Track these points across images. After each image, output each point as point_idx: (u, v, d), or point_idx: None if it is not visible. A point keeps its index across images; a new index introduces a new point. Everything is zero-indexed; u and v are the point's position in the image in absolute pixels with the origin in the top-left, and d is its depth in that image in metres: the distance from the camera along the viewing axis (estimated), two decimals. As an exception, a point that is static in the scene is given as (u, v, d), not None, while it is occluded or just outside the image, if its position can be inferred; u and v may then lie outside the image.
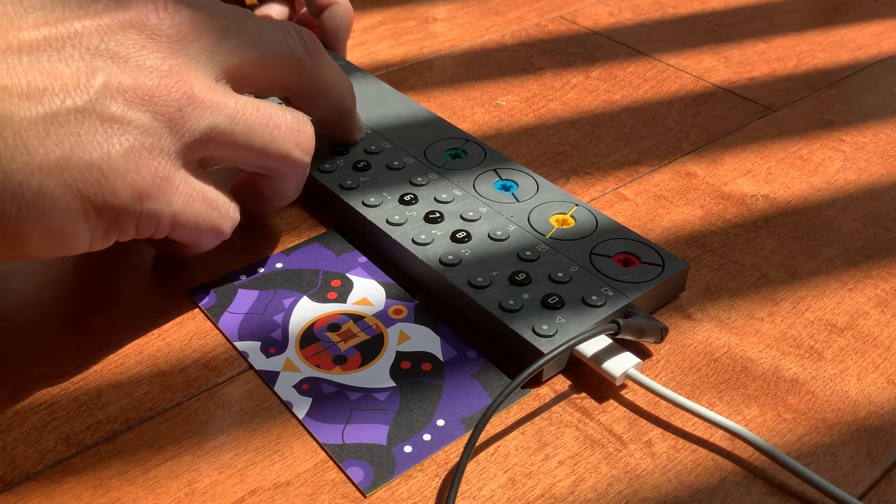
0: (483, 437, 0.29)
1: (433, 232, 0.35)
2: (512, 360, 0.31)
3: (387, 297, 0.34)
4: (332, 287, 0.34)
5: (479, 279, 0.32)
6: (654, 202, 0.40)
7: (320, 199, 0.39)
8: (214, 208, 0.30)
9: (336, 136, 0.39)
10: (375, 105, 0.43)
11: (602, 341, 0.30)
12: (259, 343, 0.32)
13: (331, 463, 0.28)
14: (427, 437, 0.28)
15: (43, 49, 0.26)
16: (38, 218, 0.26)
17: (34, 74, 0.25)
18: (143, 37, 0.28)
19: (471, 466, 0.28)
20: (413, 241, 0.34)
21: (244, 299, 0.33)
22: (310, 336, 0.32)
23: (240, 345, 0.32)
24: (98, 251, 0.30)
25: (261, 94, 0.34)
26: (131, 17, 0.28)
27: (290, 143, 0.31)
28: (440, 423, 0.29)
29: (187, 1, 0.30)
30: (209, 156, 0.30)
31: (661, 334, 0.31)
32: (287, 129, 0.31)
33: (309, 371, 0.31)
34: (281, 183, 0.33)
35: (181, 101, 0.28)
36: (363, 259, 0.36)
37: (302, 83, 0.34)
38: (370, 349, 0.32)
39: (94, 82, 0.26)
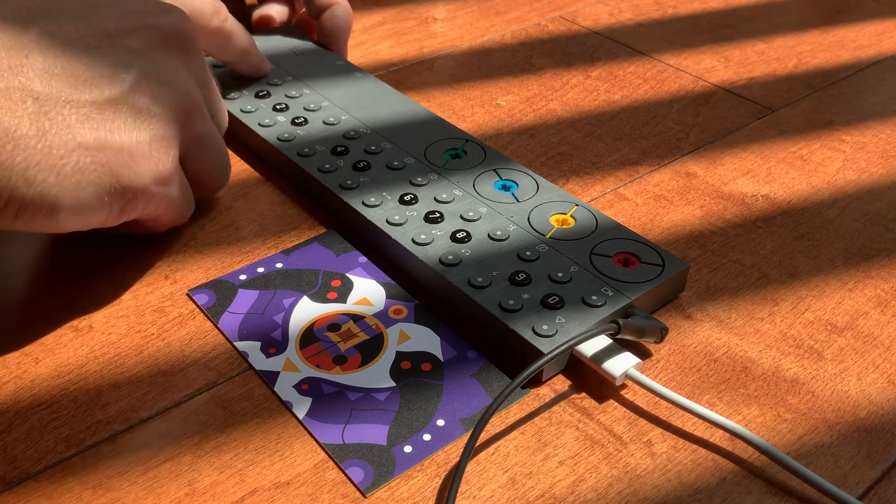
0: (483, 437, 0.29)
1: (433, 232, 0.35)
2: (512, 360, 0.31)
3: (387, 297, 0.34)
4: (332, 287, 0.34)
5: (479, 279, 0.32)
6: (654, 202, 0.40)
7: (320, 199, 0.39)
8: (188, 195, 0.35)
9: (248, 74, 0.45)
10: (375, 105, 0.43)
11: (602, 341, 0.30)
12: (259, 343, 0.32)
13: (331, 463, 0.28)
14: (427, 437, 0.28)
15: (88, 44, 0.30)
16: (73, 189, 0.28)
17: (79, 66, 0.29)
18: (171, 48, 0.33)
19: (471, 466, 0.28)
20: (413, 241, 0.34)
21: (244, 299, 0.33)
22: (310, 336, 0.32)
23: (240, 345, 0.32)
24: (101, 249, 0.32)
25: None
26: (158, 23, 0.33)
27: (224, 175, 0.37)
28: (440, 423, 0.29)
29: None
30: (187, 153, 0.34)
31: (661, 334, 0.31)
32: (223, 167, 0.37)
33: (309, 371, 0.31)
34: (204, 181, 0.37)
35: (191, 109, 0.33)
36: (363, 259, 0.36)
37: (209, 41, 0.40)
38: (370, 349, 0.32)
39: (128, 77, 0.30)
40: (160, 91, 0.31)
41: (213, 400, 0.30)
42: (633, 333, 0.30)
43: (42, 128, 0.27)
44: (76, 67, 0.29)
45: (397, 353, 0.31)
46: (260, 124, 0.41)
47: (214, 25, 0.39)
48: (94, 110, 0.29)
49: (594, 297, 0.31)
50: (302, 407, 0.29)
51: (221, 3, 0.39)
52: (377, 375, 0.31)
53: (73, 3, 0.31)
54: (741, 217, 0.39)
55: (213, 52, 0.41)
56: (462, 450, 0.27)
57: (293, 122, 0.41)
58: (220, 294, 0.34)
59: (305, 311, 0.33)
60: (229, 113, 0.43)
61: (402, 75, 0.50)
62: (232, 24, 0.40)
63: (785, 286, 0.35)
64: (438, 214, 0.35)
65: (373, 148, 0.40)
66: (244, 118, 0.42)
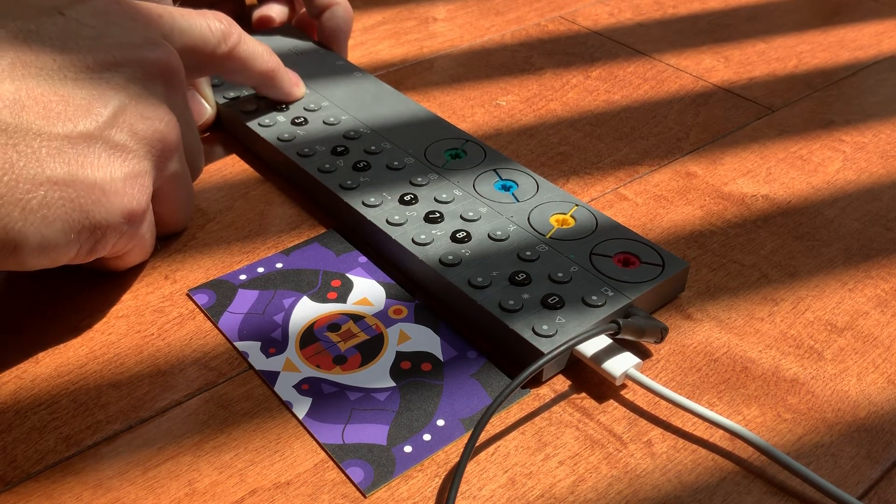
0: (483, 437, 0.29)
1: (433, 232, 0.35)
2: (512, 360, 0.31)
3: (387, 297, 0.34)
4: (332, 287, 0.34)
5: (479, 279, 0.32)
6: (654, 202, 0.40)
7: (320, 199, 0.39)
8: (154, 233, 0.34)
9: (275, 98, 0.43)
10: (375, 105, 0.43)
11: (602, 341, 0.30)
12: (259, 343, 0.32)
13: (331, 463, 0.28)
14: (427, 437, 0.28)
15: (65, 76, 0.29)
16: (38, 224, 0.27)
17: (53, 98, 0.28)
18: (152, 78, 0.32)
19: (471, 466, 0.28)
20: (413, 241, 0.34)
21: (244, 299, 0.33)
22: (310, 336, 0.32)
23: (240, 345, 0.32)
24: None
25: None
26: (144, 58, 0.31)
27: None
28: (440, 423, 0.29)
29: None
30: (158, 190, 0.33)
31: (661, 334, 0.31)
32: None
33: (309, 371, 0.31)
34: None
35: (170, 146, 0.32)
36: (363, 259, 0.36)
37: (222, 68, 0.38)
38: (370, 349, 0.32)
39: (105, 112, 0.29)
40: (139, 126, 0.30)
41: (213, 400, 0.30)
42: (633, 333, 0.30)
43: (9, 160, 0.26)
44: (50, 99, 0.28)
45: (397, 353, 0.31)
46: (260, 124, 0.41)
47: (223, 52, 0.36)
48: (67, 144, 0.28)
49: (594, 297, 0.31)
50: (302, 407, 0.29)
51: (233, 27, 0.37)
52: (377, 375, 0.31)
53: (55, 33, 0.29)
54: (741, 217, 0.39)
55: (228, 78, 0.39)
56: (462, 450, 0.27)
57: (293, 122, 0.41)
58: (220, 294, 0.34)
59: (305, 311, 0.33)
60: (229, 111, 0.43)
61: (402, 75, 0.50)
62: (246, 48, 0.38)
63: (785, 286, 0.35)
64: (438, 214, 0.35)
65: (373, 148, 0.40)
66: (244, 118, 0.42)
